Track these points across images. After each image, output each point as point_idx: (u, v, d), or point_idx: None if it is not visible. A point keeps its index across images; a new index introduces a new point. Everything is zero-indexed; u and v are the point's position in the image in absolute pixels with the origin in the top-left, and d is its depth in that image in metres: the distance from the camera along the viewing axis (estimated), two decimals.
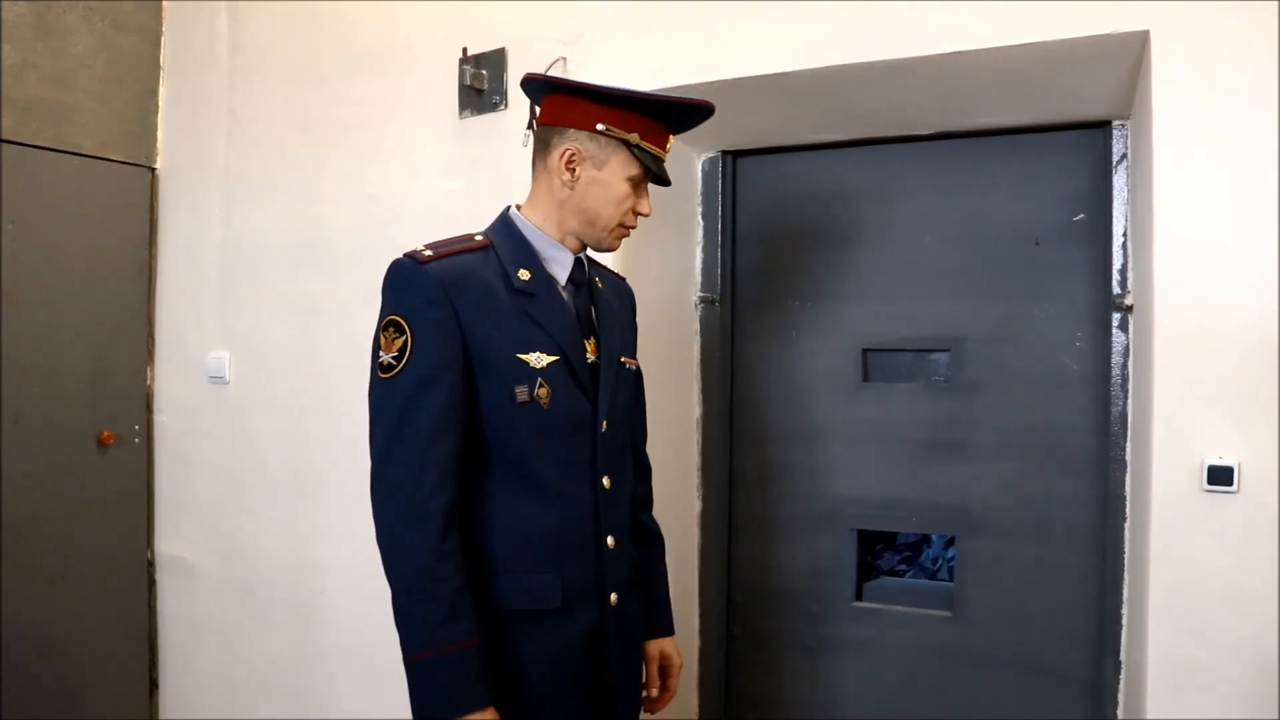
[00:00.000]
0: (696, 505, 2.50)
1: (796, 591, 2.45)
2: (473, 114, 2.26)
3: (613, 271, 1.76)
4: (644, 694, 1.71)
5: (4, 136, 2.40)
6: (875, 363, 2.38)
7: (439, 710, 1.36)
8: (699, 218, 2.49)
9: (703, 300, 2.49)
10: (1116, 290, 2.06)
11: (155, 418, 2.77)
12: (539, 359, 1.47)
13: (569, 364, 1.49)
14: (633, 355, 1.69)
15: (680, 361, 2.45)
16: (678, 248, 2.43)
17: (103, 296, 2.64)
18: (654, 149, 1.53)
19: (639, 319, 1.75)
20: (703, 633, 2.51)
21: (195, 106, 2.70)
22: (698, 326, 2.49)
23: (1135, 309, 1.99)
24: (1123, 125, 2.07)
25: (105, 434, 2.64)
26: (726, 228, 2.49)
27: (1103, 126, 2.10)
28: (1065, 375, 2.17)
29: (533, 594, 1.48)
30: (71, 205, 2.56)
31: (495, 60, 2.23)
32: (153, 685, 2.78)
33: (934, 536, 2.44)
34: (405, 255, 1.46)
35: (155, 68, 2.74)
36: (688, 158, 2.47)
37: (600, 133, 1.50)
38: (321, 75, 2.49)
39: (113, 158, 2.65)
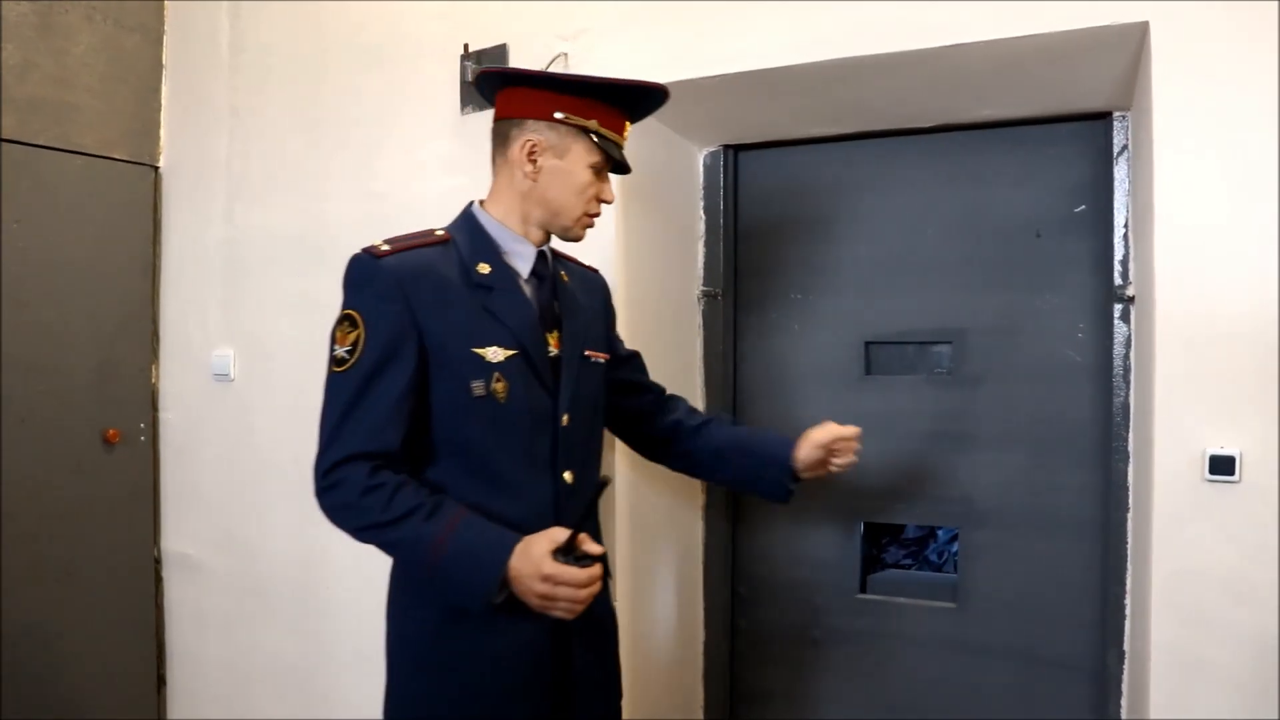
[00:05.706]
0: (700, 498, 2.51)
1: (801, 584, 2.45)
2: (475, 110, 2.26)
3: (582, 264, 1.75)
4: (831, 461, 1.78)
5: (8, 136, 2.41)
6: (877, 355, 2.39)
7: (473, 594, 1.38)
8: (701, 212, 2.50)
9: (705, 294, 2.49)
10: (1118, 281, 2.06)
11: (160, 415, 2.78)
12: (496, 353, 1.46)
13: (528, 358, 1.49)
14: (602, 348, 1.67)
15: (683, 356, 2.45)
16: (680, 242, 2.44)
17: (107, 295, 2.65)
18: (612, 135, 1.53)
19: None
20: (708, 625, 2.52)
21: (198, 105, 2.70)
22: (700, 321, 2.50)
23: (1137, 300, 1.99)
24: (1123, 116, 2.07)
25: (111, 432, 2.65)
26: (729, 222, 2.49)
27: (1103, 118, 2.11)
28: (1067, 367, 2.18)
29: None
30: (75, 204, 2.56)
31: (497, 56, 2.23)
32: (160, 682, 2.79)
33: (939, 531, 2.45)
34: (363, 250, 1.46)
35: (158, 66, 2.74)
36: (689, 152, 2.47)
37: (559, 121, 1.50)
38: (323, 72, 2.50)
39: (116, 156, 2.66)
